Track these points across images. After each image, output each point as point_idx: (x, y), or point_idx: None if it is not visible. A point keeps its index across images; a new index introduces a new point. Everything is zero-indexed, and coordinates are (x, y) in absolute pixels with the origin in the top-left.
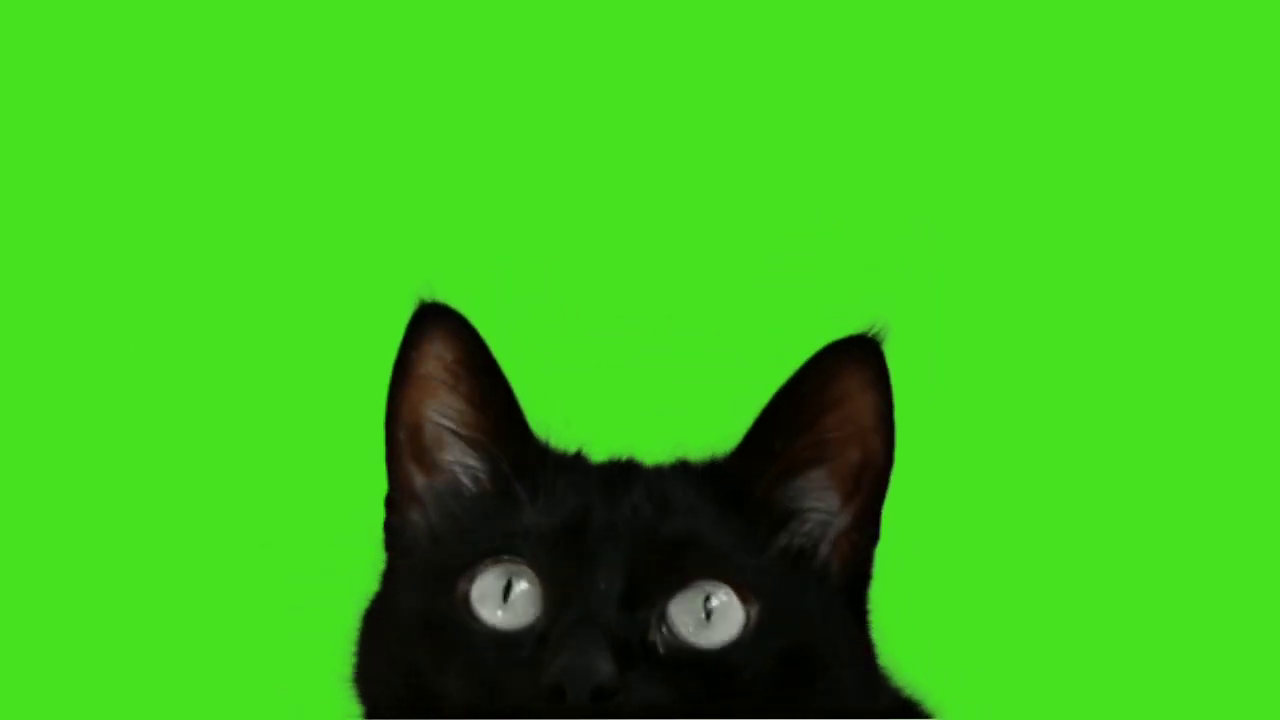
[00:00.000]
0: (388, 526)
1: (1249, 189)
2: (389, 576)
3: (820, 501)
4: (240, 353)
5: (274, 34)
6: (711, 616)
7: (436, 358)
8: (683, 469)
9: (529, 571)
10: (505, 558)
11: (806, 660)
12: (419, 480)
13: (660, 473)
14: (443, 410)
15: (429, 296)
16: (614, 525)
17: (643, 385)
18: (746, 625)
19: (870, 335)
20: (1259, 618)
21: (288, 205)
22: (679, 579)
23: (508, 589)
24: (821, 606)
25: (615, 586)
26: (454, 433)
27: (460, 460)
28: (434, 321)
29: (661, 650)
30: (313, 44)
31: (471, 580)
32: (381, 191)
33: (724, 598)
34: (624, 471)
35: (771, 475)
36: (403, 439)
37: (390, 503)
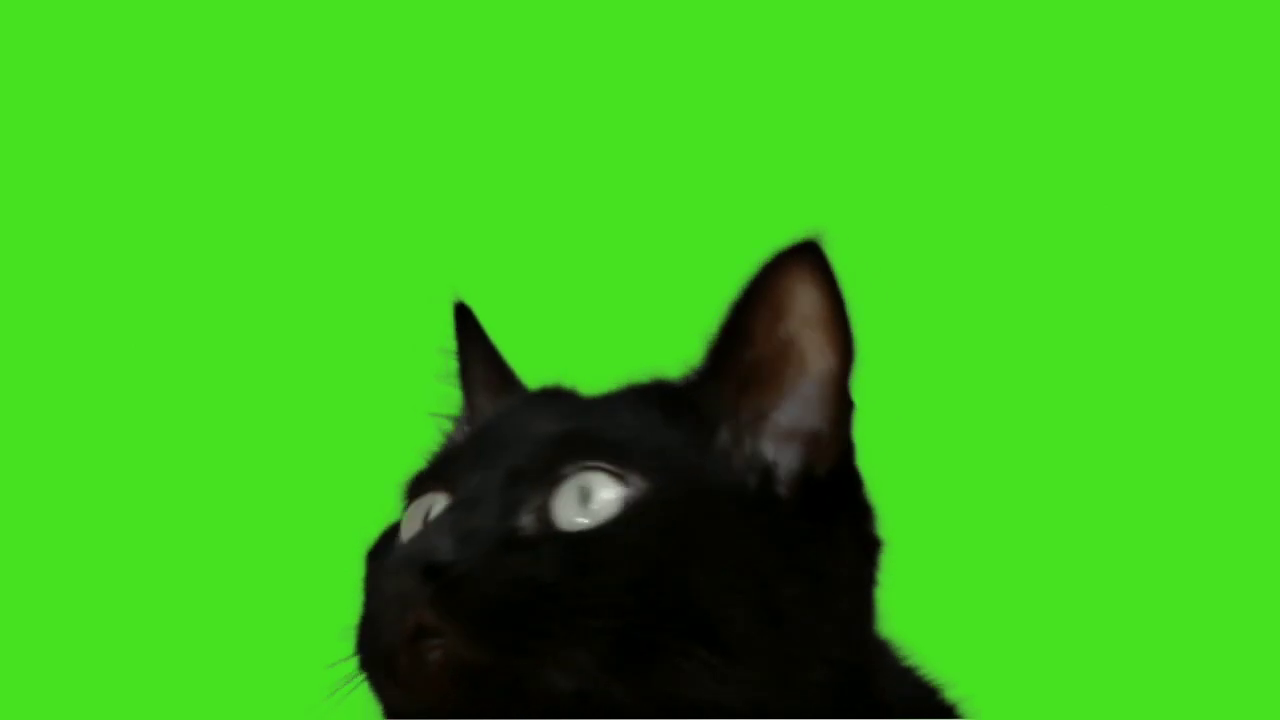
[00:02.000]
0: None
1: (1215, 167)
2: None
3: (774, 410)
4: (243, 352)
5: (285, 29)
6: (589, 504)
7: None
8: (626, 389)
9: (443, 495)
10: (430, 487)
11: (686, 536)
12: None
13: (592, 396)
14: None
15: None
16: (507, 432)
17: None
18: (624, 507)
19: (809, 239)
20: (1249, 596)
21: (275, 202)
22: (559, 473)
23: (427, 518)
24: (746, 502)
25: (493, 483)
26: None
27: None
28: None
29: (527, 534)
30: (319, 38)
31: (404, 513)
32: (384, 186)
33: (603, 483)
34: (549, 391)
35: (728, 393)
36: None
37: None
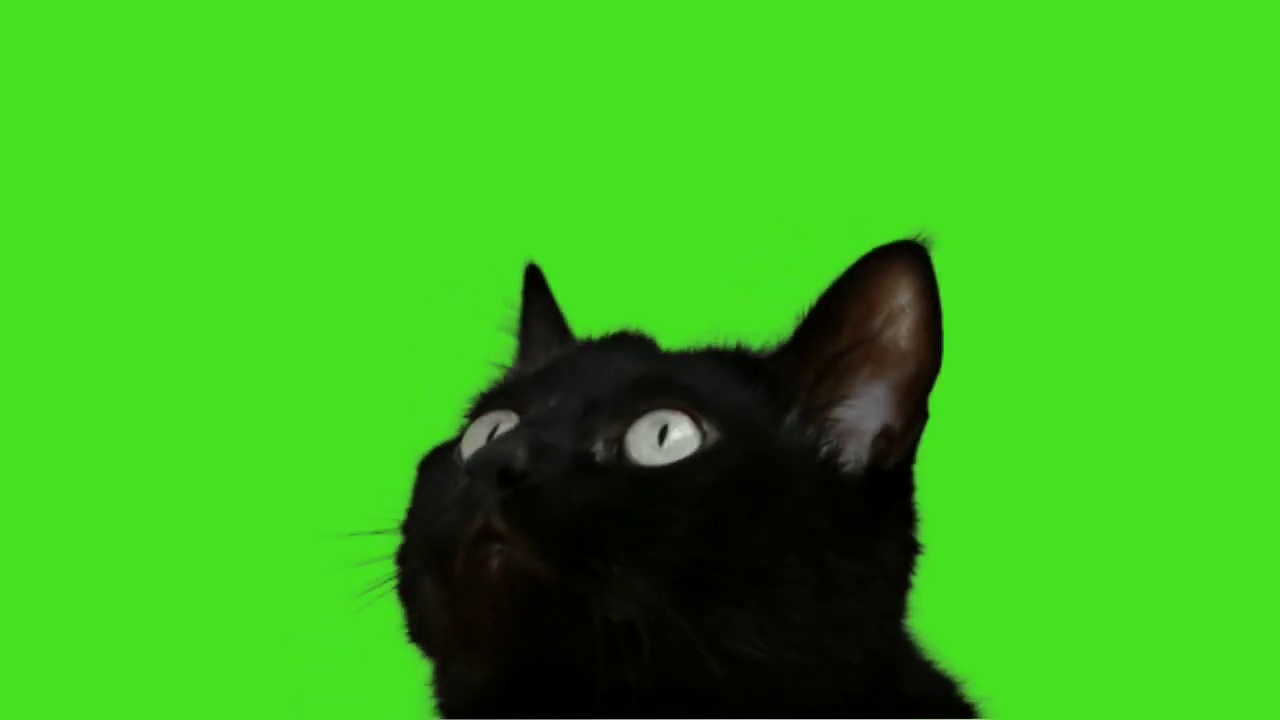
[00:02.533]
0: None
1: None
2: None
3: (852, 401)
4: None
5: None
6: (664, 443)
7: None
8: (705, 348)
9: (512, 415)
10: (496, 406)
11: (755, 492)
12: None
13: (671, 350)
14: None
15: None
16: (585, 366)
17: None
18: (698, 450)
19: (917, 240)
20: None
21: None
22: (637, 409)
23: (493, 434)
24: (815, 475)
25: (569, 408)
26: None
27: None
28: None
29: (599, 461)
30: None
31: (465, 431)
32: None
33: (681, 425)
34: (622, 335)
35: (808, 374)
36: None
37: None
